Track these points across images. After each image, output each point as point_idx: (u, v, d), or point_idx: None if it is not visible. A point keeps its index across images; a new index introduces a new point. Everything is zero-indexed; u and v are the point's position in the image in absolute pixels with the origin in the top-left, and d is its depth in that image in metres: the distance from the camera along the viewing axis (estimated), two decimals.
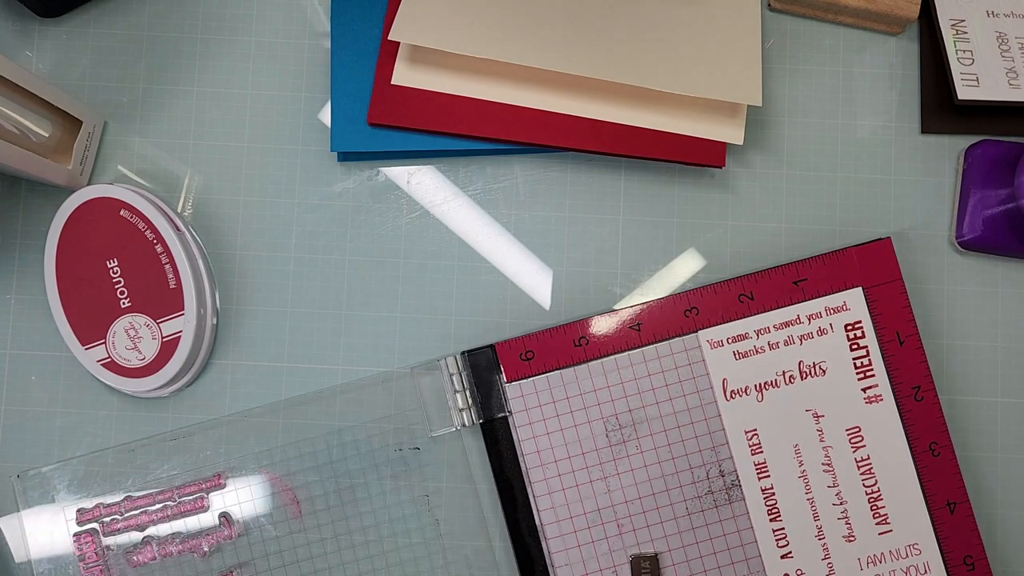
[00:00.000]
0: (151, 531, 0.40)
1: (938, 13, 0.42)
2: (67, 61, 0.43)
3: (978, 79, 0.40)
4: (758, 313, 0.40)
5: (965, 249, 0.42)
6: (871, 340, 0.40)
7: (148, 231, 0.40)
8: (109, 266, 0.40)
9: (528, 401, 0.40)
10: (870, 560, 0.39)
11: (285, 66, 0.43)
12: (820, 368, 0.40)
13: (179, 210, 0.42)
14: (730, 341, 0.40)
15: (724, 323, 0.40)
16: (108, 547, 0.40)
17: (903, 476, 0.39)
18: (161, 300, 0.40)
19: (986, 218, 0.41)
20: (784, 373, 0.40)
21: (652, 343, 0.40)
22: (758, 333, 0.40)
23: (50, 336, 0.42)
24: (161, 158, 0.43)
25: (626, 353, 0.40)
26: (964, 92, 0.40)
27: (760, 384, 0.40)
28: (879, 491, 0.39)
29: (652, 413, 0.40)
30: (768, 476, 0.39)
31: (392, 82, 0.41)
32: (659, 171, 0.43)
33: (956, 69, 0.41)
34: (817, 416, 0.40)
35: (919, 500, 0.39)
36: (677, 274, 0.42)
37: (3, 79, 0.36)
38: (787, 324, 0.40)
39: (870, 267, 0.40)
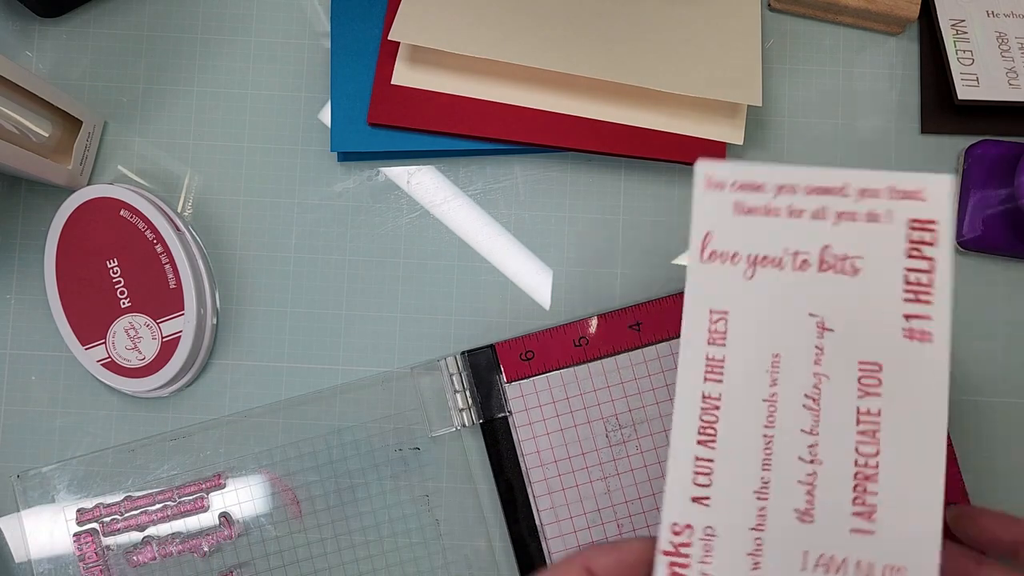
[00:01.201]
0: (151, 531, 0.40)
1: (938, 13, 0.42)
2: (67, 61, 0.43)
3: (978, 79, 0.40)
4: None
5: (965, 249, 0.42)
6: (943, 252, 0.27)
7: (148, 231, 0.40)
8: (109, 266, 0.40)
9: (528, 401, 0.40)
10: (822, 564, 0.26)
11: (285, 66, 0.43)
12: (852, 265, 0.27)
13: (179, 210, 0.42)
14: (736, 187, 0.29)
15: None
16: (108, 547, 0.40)
17: (924, 460, 0.27)
18: (161, 300, 0.40)
19: (986, 218, 0.41)
20: (796, 255, 0.27)
21: (652, 343, 0.40)
22: (779, 189, 0.28)
23: (50, 336, 0.42)
24: (161, 158, 0.43)
25: (626, 353, 0.40)
26: (964, 92, 0.40)
27: (756, 257, 0.28)
28: (876, 469, 0.26)
29: (652, 413, 0.40)
30: (719, 379, 0.27)
31: (392, 82, 0.41)
32: (659, 171, 0.43)
33: (956, 69, 0.41)
34: (823, 328, 0.27)
35: (935, 502, 0.27)
36: (677, 274, 0.42)
37: (3, 79, 0.36)
38: (825, 191, 0.27)
39: None
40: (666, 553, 0.26)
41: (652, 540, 0.25)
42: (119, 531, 0.40)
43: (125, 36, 0.43)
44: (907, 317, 0.27)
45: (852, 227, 0.27)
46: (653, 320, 0.40)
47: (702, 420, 0.27)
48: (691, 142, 0.40)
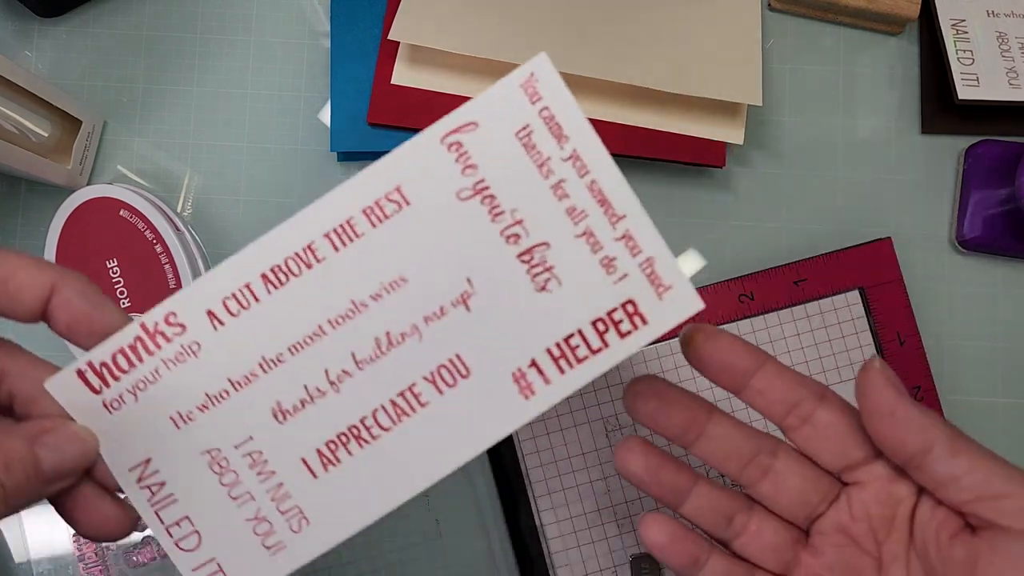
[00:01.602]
0: (150, 531, 0.40)
1: (938, 13, 0.41)
2: (66, 61, 0.43)
3: (978, 79, 0.40)
4: (758, 314, 0.40)
5: (965, 249, 0.42)
6: (614, 354, 0.24)
7: (148, 231, 0.40)
8: (109, 266, 0.40)
9: None
10: (252, 457, 0.24)
11: (285, 66, 0.43)
12: (546, 281, 0.24)
13: (179, 210, 0.42)
14: (543, 114, 0.23)
15: (725, 323, 0.40)
16: (108, 547, 0.40)
17: (388, 485, 0.24)
18: (161, 300, 0.39)
19: (986, 218, 0.41)
20: (518, 223, 0.23)
21: (652, 343, 0.40)
22: (573, 157, 0.23)
23: (49, 336, 0.42)
24: (161, 158, 0.43)
25: None
26: (964, 92, 0.40)
27: (485, 188, 0.23)
28: (367, 444, 0.24)
29: None
30: (338, 248, 0.24)
31: (392, 82, 0.41)
32: (659, 171, 0.43)
33: (956, 69, 0.41)
34: (464, 300, 0.23)
35: (343, 531, 0.25)
36: None
37: (2, 79, 0.36)
38: (603, 202, 0.23)
39: (871, 267, 0.40)
40: (143, 327, 0.24)
41: (132, 321, 0.24)
42: None
43: (125, 36, 0.43)
44: (532, 363, 0.24)
45: (584, 255, 0.23)
46: None
47: (287, 262, 0.23)
48: (691, 142, 0.40)
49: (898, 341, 0.40)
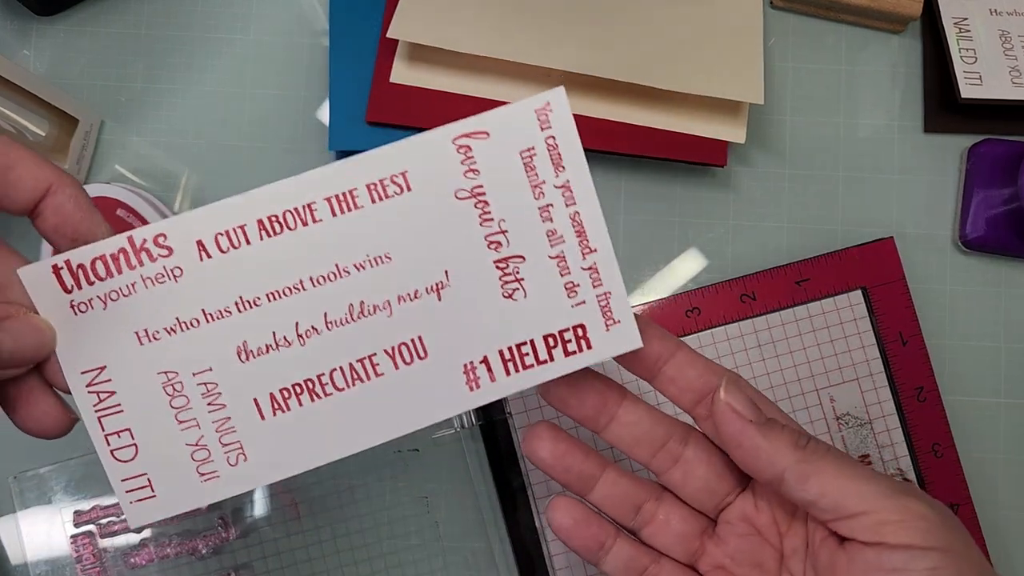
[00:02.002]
0: (148, 533, 0.40)
1: (941, 11, 0.41)
2: (64, 60, 0.43)
3: (981, 78, 0.40)
4: (760, 314, 0.40)
5: (968, 249, 0.41)
6: (555, 368, 0.26)
7: None
8: None
9: (528, 402, 0.40)
10: (202, 384, 0.25)
11: (284, 65, 0.43)
12: (511, 291, 0.26)
13: (176, 210, 0.42)
14: (548, 142, 0.25)
15: (726, 323, 0.40)
16: (105, 549, 0.39)
17: (298, 452, 0.26)
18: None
19: (989, 218, 0.41)
20: (500, 235, 0.25)
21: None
22: (564, 188, 0.25)
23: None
24: (158, 157, 0.43)
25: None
26: (967, 91, 0.40)
27: (482, 194, 0.25)
28: (301, 409, 0.26)
29: None
30: (335, 213, 0.25)
31: (391, 80, 0.41)
32: (659, 170, 0.42)
33: (959, 68, 0.40)
34: (439, 289, 0.26)
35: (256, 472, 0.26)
36: (678, 274, 0.42)
37: (0, 78, 0.36)
38: (584, 237, 0.26)
39: (873, 267, 0.40)
40: (130, 240, 0.24)
41: (115, 234, 0.24)
42: (116, 533, 0.39)
43: (123, 35, 0.43)
44: (484, 360, 0.26)
45: (553, 275, 0.25)
46: (654, 321, 0.40)
47: (285, 214, 0.25)
48: (693, 140, 0.40)
49: (901, 341, 0.40)
